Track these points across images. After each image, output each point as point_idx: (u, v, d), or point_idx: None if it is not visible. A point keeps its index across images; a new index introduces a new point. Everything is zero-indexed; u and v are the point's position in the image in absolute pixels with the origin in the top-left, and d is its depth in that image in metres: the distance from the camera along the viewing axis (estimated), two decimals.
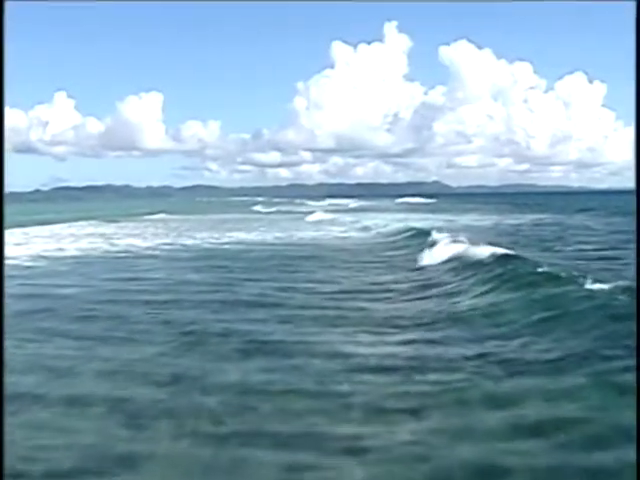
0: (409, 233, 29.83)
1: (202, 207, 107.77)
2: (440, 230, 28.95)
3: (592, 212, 56.79)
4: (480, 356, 8.38)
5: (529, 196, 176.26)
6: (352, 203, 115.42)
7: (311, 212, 63.98)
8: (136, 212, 72.75)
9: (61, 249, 27.16)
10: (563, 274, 12.85)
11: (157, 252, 26.40)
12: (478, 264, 16.02)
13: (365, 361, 8.17)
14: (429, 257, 19.21)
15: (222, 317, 11.07)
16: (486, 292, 13.14)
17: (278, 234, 35.75)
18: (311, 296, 13.57)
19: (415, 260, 19.37)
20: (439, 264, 17.92)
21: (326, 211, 66.08)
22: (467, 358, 8.28)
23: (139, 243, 31.04)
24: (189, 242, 31.44)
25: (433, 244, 21.22)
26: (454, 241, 20.60)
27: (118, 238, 34.84)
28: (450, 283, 14.71)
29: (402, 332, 10.02)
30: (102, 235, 38.18)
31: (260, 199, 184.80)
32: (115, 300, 12.90)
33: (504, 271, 14.49)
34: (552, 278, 12.76)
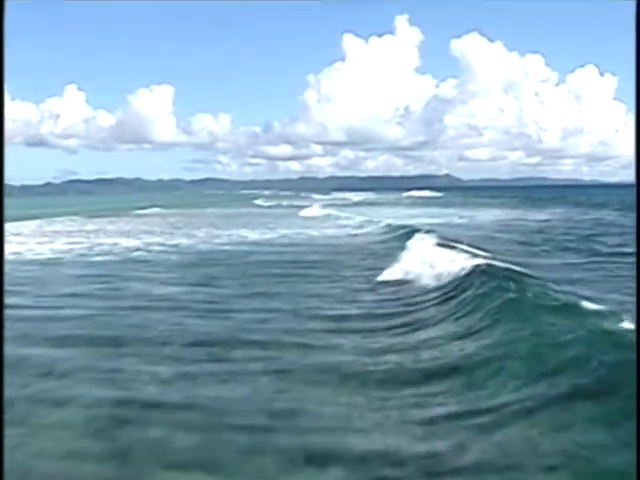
0: (402, 232, 26.43)
1: (204, 201, 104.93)
2: (457, 228, 25.85)
3: (615, 206, 53.54)
4: None
5: (542, 189, 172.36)
6: (356, 197, 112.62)
7: (307, 207, 60.60)
8: (136, 206, 69.83)
9: (33, 250, 24.15)
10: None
11: (143, 254, 23.42)
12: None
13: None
14: (415, 270, 15.03)
15: (184, 369, 7.88)
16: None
17: (268, 233, 32.52)
18: (301, 322, 10.48)
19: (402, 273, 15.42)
20: (424, 283, 13.86)
21: (324, 206, 62.84)
22: None
23: (125, 242, 28.11)
24: (183, 241, 28.49)
25: (427, 250, 17.30)
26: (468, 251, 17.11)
27: (105, 236, 31.86)
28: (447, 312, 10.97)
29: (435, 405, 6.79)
30: (89, 232, 35.31)
31: (267, 192, 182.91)
32: (52, 337, 9.67)
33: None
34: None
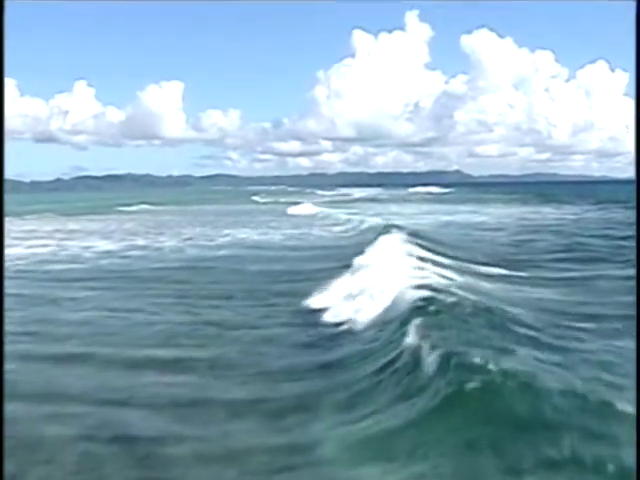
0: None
1: (202, 197, 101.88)
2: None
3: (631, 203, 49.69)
4: None
5: (553, 185, 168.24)
6: (358, 193, 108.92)
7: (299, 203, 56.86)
8: (122, 203, 66.55)
9: None
10: None
11: (116, 261, 20.03)
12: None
13: None
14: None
15: None
16: None
17: (253, 233, 29.40)
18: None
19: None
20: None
21: (318, 203, 59.01)
22: None
23: (103, 245, 24.87)
24: (167, 244, 25.06)
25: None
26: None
27: (80, 237, 28.45)
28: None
29: None
30: (67, 232, 32.05)
31: (274, 188, 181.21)
32: None
33: None
34: None
